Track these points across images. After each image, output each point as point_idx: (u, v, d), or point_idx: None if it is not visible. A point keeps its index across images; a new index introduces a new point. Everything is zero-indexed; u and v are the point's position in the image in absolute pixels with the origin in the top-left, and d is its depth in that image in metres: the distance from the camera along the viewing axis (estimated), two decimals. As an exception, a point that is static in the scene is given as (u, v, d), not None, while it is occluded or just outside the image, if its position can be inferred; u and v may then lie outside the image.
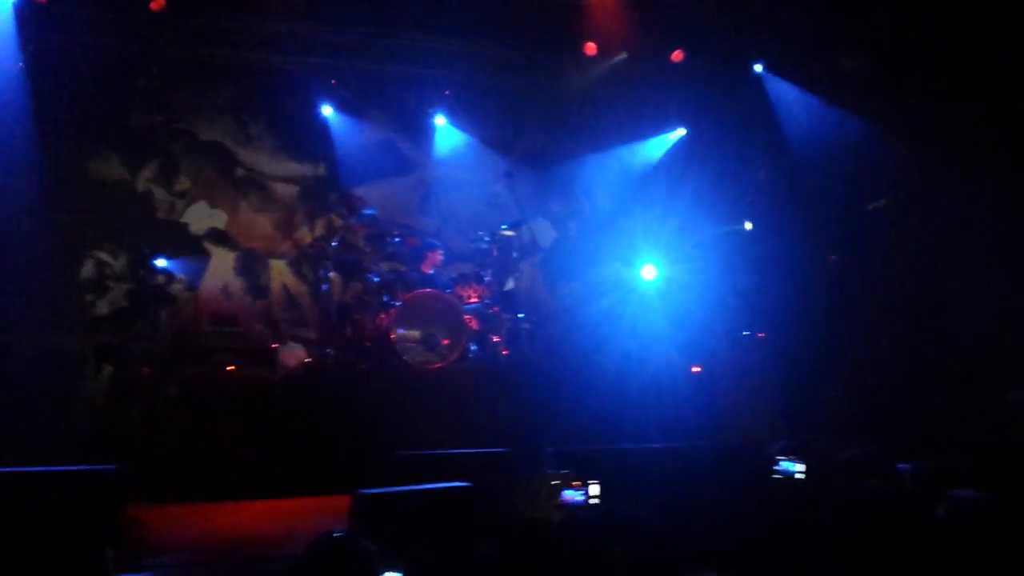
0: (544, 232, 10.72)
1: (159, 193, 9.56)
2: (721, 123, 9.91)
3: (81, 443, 8.06)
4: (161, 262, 8.62)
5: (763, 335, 8.61)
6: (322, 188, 9.89)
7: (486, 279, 9.08)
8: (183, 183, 9.65)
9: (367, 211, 9.10)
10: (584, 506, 3.87)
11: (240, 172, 9.87)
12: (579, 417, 7.43)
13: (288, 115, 10.06)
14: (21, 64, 8.61)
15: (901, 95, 8.45)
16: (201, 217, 9.65)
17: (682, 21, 9.46)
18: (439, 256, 9.06)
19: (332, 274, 9.04)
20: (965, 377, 7.66)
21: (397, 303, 8.27)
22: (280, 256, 9.85)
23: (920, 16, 8.34)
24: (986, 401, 7.42)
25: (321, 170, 10.06)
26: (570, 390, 7.81)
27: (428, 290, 8.49)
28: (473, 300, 8.83)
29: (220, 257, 9.63)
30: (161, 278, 8.69)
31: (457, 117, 10.41)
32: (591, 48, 9.94)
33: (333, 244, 9.09)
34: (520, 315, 9.01)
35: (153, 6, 8.86)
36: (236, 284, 9.64)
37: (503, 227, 9.39)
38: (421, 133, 10.46)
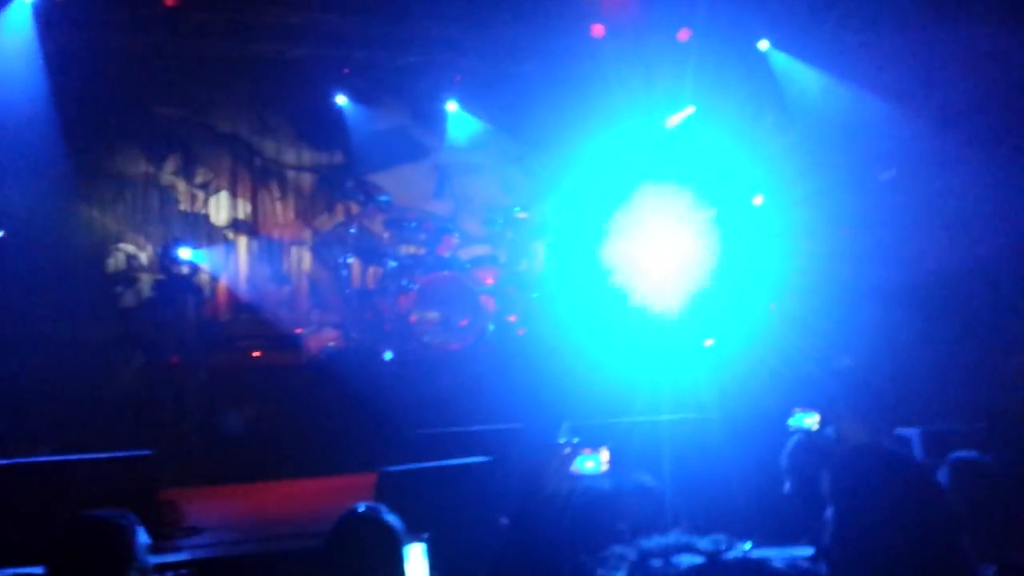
0: (557, 211, 10.86)
1: (181, 185, 9.79)
2: (729, 99, 9.99)
3: (115, 430, 8.34)
4: (186, 252, 8.82)
5: (774, 306, 8.75)
6: (339, 175, 10.08)
7: (501, 260, 9.27)
8: (204, 175, 9.88)
9: (383, 197, 9.29)
10: (597, 474, 3.97)
11: (259, 162, 10.08)
12: (593, 391, 7.60)
13: (304, 105, 10.25)
14: (42, 62, 8.82)
15: (904, 65, 8.51)
16: (223, 207, 9.88)
17: (687, 0, 9.53)
18: (455, 239, 9.26)
19: (351, 259, 9.25)
20: (975, 342, 7.77)
21: (415, 286, 8.46)
22: (300, 243, 10.07)
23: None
24: (995, 365, 7.54)
25: (338, 158, 10.25)
26: (585, 365, 7.99)
27: (445, 273, 8.68)
28: (489, 281, 9.01)
29: (242, 246, 9.87)
30: (186, 268, 8.90)
31: (468, 102, 10.58)
32: (598, 29, 10.05)
33: (351, 230, 9.30)
34: (535, 294, 9.18)
35: (168, 2, 9.05)
36: (259, 272, 9.89)
37: (516, 208, 9.58)
38: (434, 119, 10.63)
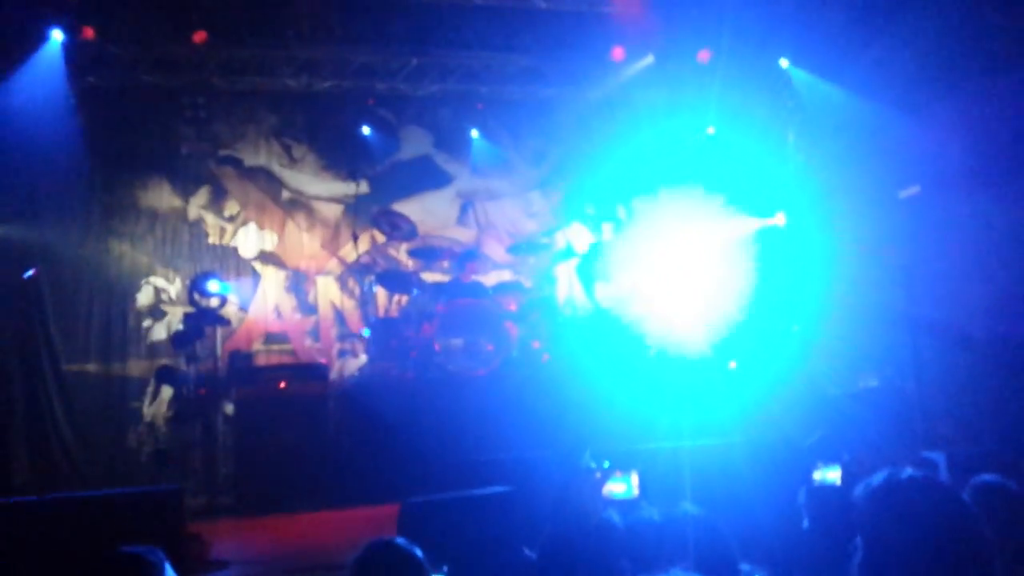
0: (580, 236, 10.88)
1: (210, 219, 9.93)
2: (751, 119, 9.97)
3: (144, 464, 8.46)
4: (214, 285, 8.92)
5: (796, 328, 8.68)
6: (364, 205, 10.18)
7: (525, 286, 9.29)
8: (232, 208, 10.01)
9: (407, 225, 9.37)
10: (628, 497, 3.88)
11: (286, 194, 10.20)
12: (618, 417, 7.58)
13: (329, 136, 10.38)
14: (72, 100, 9.02)
15: (926, 83, 8.45)
16: (251, 240, 10.00)
17: (706, 21, 9.54)
18: (478, 266, 9.31)
19: (377, 288, 9.31)
20: (997, 365, 7.65)
21: (439, 314, 8.50)
22: (327, 273, 10.16)
23: (949, 5, 8.33)
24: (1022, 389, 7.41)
25: (363, 188, 10.34)
26: (608, 391, 7.97)
27: (469, 299, 8.71)
28: (513, 308, 9.03)
29: (270, 277, 9.98)
30: (215, 301, 9.00)
31: (491, 129, 10.67)
32: (619, 53, 10.09)
33: (377, 259, 9.37)
34: (558, 320, 9.19)
35: (195, 39, 9.24)
36: (286, 303, 9.99)
37: (539, 234, 9.61)
38: (457, 147, 10.72)
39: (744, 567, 3.13)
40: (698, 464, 5.74)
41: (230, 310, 9.41)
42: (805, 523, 3.64)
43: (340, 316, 10.10)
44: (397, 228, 9.25)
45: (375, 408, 8.05)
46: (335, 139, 10.37)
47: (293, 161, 10.27)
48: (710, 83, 10.07)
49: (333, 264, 10.19)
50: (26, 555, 5.00)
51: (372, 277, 9.27)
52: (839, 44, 9.28)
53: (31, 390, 8.69)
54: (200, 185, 9.94)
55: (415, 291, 9.00)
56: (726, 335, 8.47)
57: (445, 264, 9.88)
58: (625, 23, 9.71)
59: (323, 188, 10.31)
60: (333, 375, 9.04)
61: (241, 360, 8.91)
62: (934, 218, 8.59)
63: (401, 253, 10.11)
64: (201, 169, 9.96)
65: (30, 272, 8.73)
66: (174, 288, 9.57)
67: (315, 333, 10.00)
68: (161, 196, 9.78)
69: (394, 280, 9.21)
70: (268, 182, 10.15)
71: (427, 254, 9.49)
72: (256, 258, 9.97)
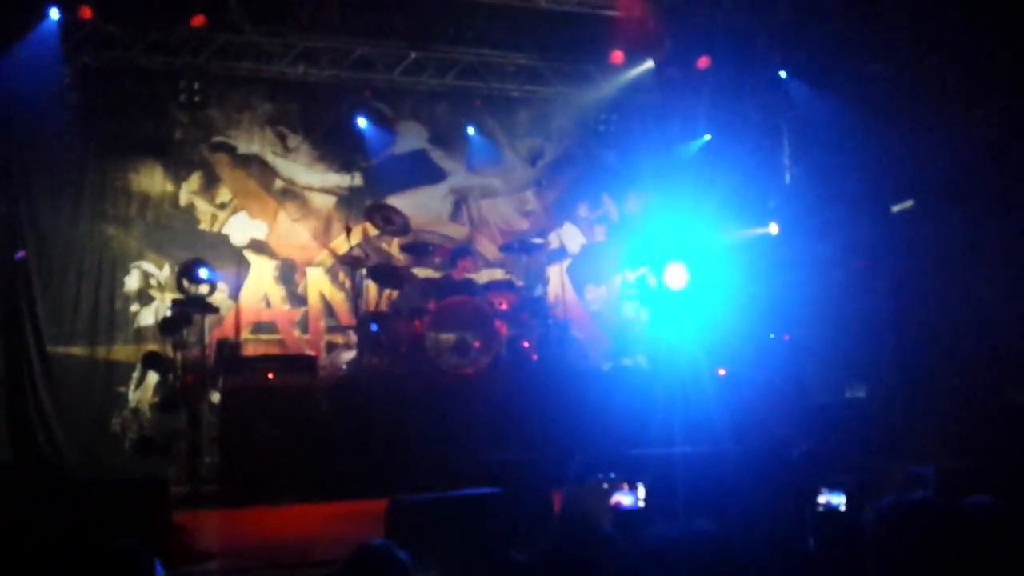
0: (572, 237, 10.90)
1: (201, 205, 9.85)
2: (747, 128, 10.01)
3: (127, 450, 8.39)
4: (203, 272, 8.85)
5: (788, 337, 8.73)
6: (357, 198, 10.13)
7: (517, 285, 9.29)
8: (224, 195, 9.94)
9: (400, 220, 9.34)
10: (635, 509, 3.85)
11: (279, 184, 10.14)
12: (608, 421, 7.59)
13: (324, 127, 10.31)
14: (67, 80, 8.94)
15: (922, 98, 8.52)
16: (242, 228, 9.92)
17: (707, 29, 9.57)
18: (470, 263, 9.29)
19: (367, 281, 9.27)
20: (989, 378, 7.73)
21: (430, 310, 8.49)
22: (317, 265, 10.12)
23: (945, 20, 8.38)
24: (1011, 401, 7.49)
25: (357, 180, 10.30)
26: (598, 394, 7.99)
27: (460, 296, 8.70)
28: (504, 307, 9.02)
29: (260, 267, 9.91)
30: (204, 288, 8.94)
31: (487, 127, 10.64)
32: (618, 56, 10.10)
33: (368, 253, 9.32)
34: (549, 320, 9.19)
35: (194, 22, 9.17)
36: (275, 293, 9.94)
37: (532, 233, 9.62)
38: (453, 143, 10.68)
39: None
40: (692, 472, 5.75)
41: (219, 298, 9.33)
42: (811, 543, 3.65)
43: (329, 308, 10.06)
44: (390, 222, 9.22)
45: (363, 402, 8.04)
46: (330, 130, 10.30)
47: (287, 150, 10.21)
48: (707, 90, 10.11)
49: (324, 256, 10.14)
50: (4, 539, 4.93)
51: (363, 270, 9.23)
52: (836, 57, 9.33)
53: (15, 370, 8.61)
54: (192, 171, 9.86)
55: (406, 286, 8.98)
56: (717, 341, 8.50)
57: (437, 260, 9.85)
58: (626, 27, 9.72)
59: (316, 179, 10.25)
60: (321, 368, 8.99)
61: (229, 349, 8.85)
62: (925, 231, 8.67)
63: (393, 247, 10.08)
64: (194, 155, 9.87)
65: (19, 254, 8.65)
66: (163, 274, 9.50)
67: (304, 324, 9.96)
68: (153, 180, 9.69)
69: (385, 274, 9.17)
70: (261, 170, 10.08)
71: (419, 249, 9.45)
72: (247, 246, 9.90)
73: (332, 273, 10.12)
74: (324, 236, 10.18)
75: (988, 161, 8.23)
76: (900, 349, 8.24)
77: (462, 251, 9.49)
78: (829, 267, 8.82)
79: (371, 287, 9.31)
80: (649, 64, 10.16)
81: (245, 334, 9.58)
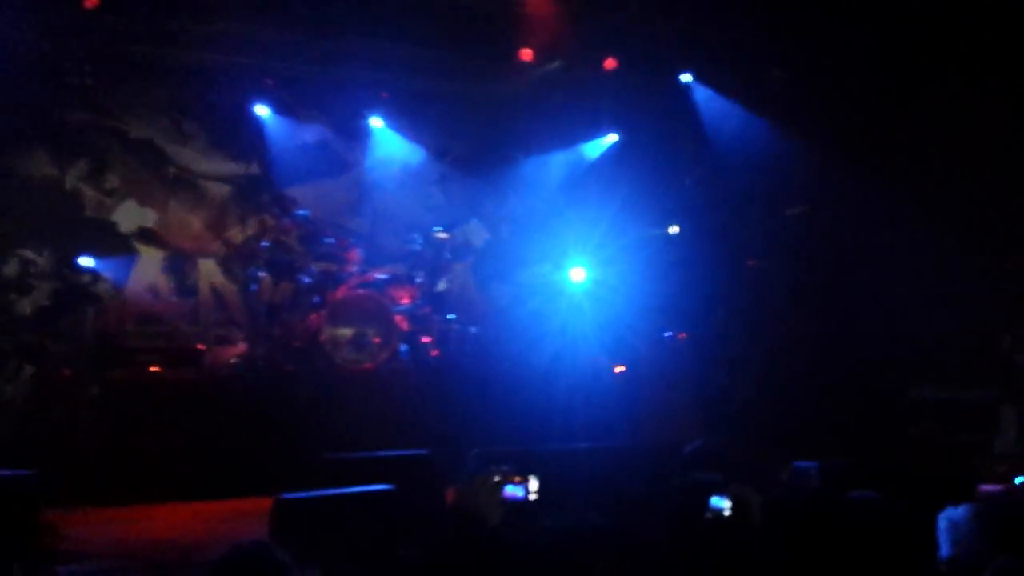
0: (477, 234, 10.82)
1: (88, 191, 9.43)
2: (651, 130, 10.09)
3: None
4: (87, 261, 8.48)
5: (684, 336, 8.83)
6: (255, 188, 9.83)
7: (418, 280, 9.16)
8: (113, 181, 9.53)
9: (300, 211, 9.10)
10: (526, 502, 3.81)
11: (172, 171, 9.77)
12: (507, 417, 7.55)
13: (223, 114, 9.98)
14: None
15: (818, 106, 8.73)
16: (130, 216, 9.53)
17: (614, 30, 9.61)
18: (357, 253, 9.12)
19: (262, 274, 9.00)
20: (873, 377, 7.95)
21: (328, 303, 8.29)
22: (210, 256, 9.77)
23: (837, 30, 8.61)
24: (895, 400, 7.71)
25: (254, 169, 10.01)
26: (499, 391, 7.93)
27: (360, 290, 8.54)
28: (405, 301, 8.89)
29: (148, 256, 9.53)
30: (87, 277, 8.57)
31: (393, 119, 10.43)
32: (527, 54, 10.06)
33: (264, 244, 9.06)
34: (451, 316, 9.09)
35: (87, 3, 8.73)
36: (163, 283, 9.55)
37: (436, 229, 9.51)
38: (357, 135, 10.46)
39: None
40: (586, 466, 5.74)
41: (102, 287, 8.93)
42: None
43: (221, 301, 9.71)
44: (288, 213, 8.97)
45: (252, 397, 7.81)
46: (228, 117, 9.97)
47: (183, 137, 9.86)
48: (614, 91, 10.16)
49: (217, 246, 9.80)
50: None
51: (259, 262, 8.94)
52: (738, 61, 9.49)
53: None
54: (80, 155, 9.42)
55: (303, 279, 8.74)
56: (616, 339, 8.55)
57: (336, 253, 9.60)
58: (535, 25, 9.69)
59: (211, 167, 9.92)
60: (209, 361, 8.65)
61: (111, 341, 8.46)
62: (819, 233, 8.89)
63: (291, 239, 9.78)
64: (83, 139, 9.44)
65: None
66: (44, 261, 9.02)
67: (193, 317, 9.58)
68: (37, 164, 9.23)
69: (281, 267, 8.92)
70: (154, 157, 9.72)
71: (317, 242, 9.21)
72: (135, 235, 9.51)
73: (225, 264, 9.78)
74: (218, 226, 9.85)
75: (883, 166, 8.47)
76: (790, 350, 8.41)
77: (363, 244, 9.30)
78: (725, 267, 8.96)
79: (266, 280, 9.03)
80: (557, 63, 10.15)
81: (129, 326, 9.16)
